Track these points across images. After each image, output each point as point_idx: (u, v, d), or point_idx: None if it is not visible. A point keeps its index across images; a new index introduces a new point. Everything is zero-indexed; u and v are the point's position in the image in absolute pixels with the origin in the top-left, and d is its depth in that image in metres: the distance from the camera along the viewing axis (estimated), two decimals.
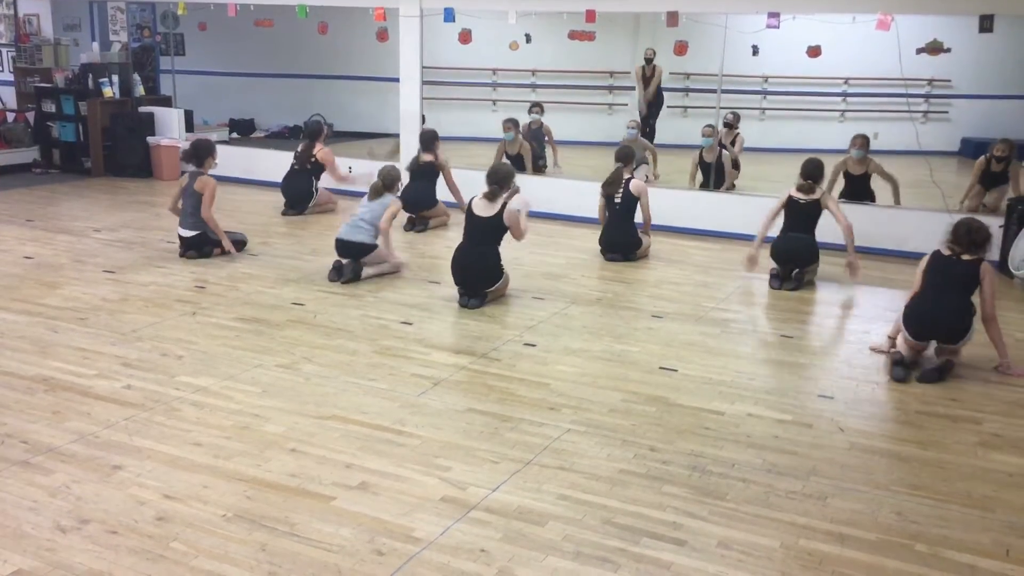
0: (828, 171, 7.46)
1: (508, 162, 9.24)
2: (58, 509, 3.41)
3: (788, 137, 12.69)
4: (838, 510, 3.58)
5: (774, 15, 8.11)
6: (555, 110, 12.17)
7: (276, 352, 5.17)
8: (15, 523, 3.31)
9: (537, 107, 10.75)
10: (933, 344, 5.25)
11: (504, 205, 6.18)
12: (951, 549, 3.33)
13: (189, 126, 11.87)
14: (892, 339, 5.44)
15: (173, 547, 3.17)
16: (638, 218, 7.65)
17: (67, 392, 4.51)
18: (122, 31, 11.95)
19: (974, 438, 4.34)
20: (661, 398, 4.68)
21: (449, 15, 9.29)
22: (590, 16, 8.77)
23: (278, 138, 13.38)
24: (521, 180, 7.66)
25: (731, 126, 10.25)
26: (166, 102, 11.55)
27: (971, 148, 12.01)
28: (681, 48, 9.70)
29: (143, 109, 11.24)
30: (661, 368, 5.12)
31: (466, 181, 8.62)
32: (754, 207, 8.17)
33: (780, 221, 7.08)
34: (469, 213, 6.26)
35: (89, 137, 10.96)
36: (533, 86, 13.51)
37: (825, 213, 6.96)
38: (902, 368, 5.10)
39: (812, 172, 6.96)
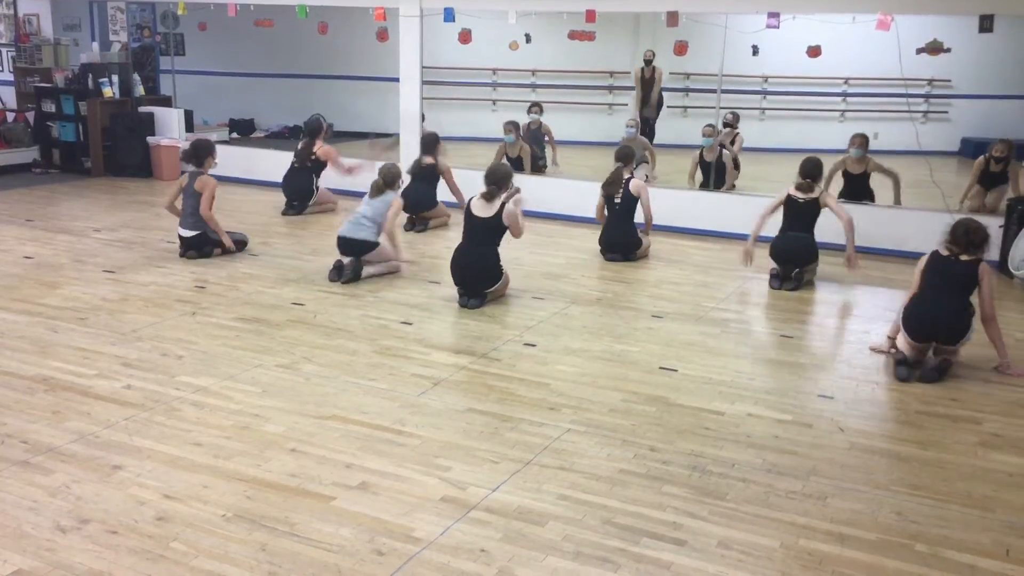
0: (827, 171, 7.47)
1: (506, 162, 9.24)
2: (58, 509, 3.41)
3: (788, 137, 12.70)
4: (838, 510, 3.58)
5: (774, 15, 8.11)
6: (555, 110, 12.17)
7: (276, 352, 5.17)
8: (15, 523, 3.31)
9: (536, 107, 10.75)
10: (933, 345, 5.26)
11: (503, 205, 6.19)
12: (951, 549, 3.33)
13: (189, 126, 11.88)
14: (892, 339, 5.45)
15: (173, 547, 3.17)
16: (638, 218, 7.65)
17: (67, 392, 4.51)
18: (122, 31, 11.95)
19: (974, 438, 4.34)
20: (661, 398, 4.68)
21: (449, 15, 9.29)
22: (590, 16, 8.77)
23: (278, 138, 13.38)
24: (521, 180, 7.67)
25: (730, 126, 10.25)
26: (166, 102, 11.55)
27: (971, 148, 12.01)
28: (681, 48, 9.70)
29: (143, 109, 11.24)
30: (661, 368, 5.13)
31: (466, 181, 8.61)
32: (754, 207, 8.12)
33: (779, 221, 7.08)
34: (468, 213, 6.26)
35: (89, 137, 10.95)
36: (533, 86, 13.52)
37: (825, 212, 6.97)
38: (906, 368, 5.11)
39: (811, 171, 6.97)
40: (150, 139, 10.97)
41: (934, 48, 9.29)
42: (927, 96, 12.93)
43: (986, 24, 7.59)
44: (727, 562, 3.19)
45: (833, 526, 3.46)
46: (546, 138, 10.68)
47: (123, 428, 4.12)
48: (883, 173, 8.50)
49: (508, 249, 6.46)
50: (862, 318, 6.31)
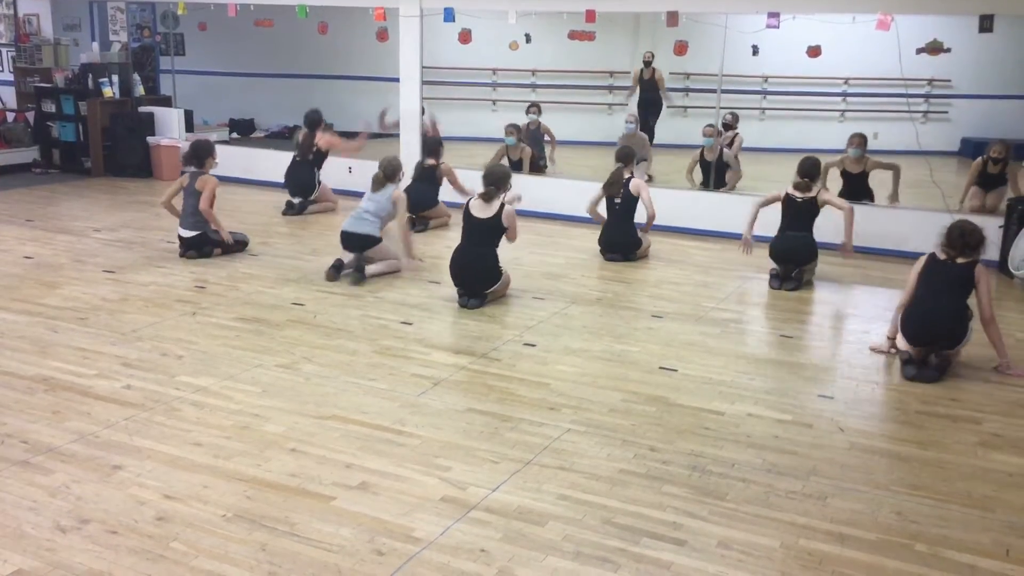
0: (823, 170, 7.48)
1: (503, 164, 9.25)
2: (58, 509, 3.41)
3: (788, 137, 12.69)
4: (838, 510, 3.58)
5: (774, 15, 8.11)
6: (555, 110, 12.17)
7: (276, 352, 5.17)
8: (15, 523, 3.31)
9: (534, 107, 10.75)
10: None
11: (503, 206, 6.19)
12: (951, 549, 3.33)
13: (189, 126, 11.88)
14: (892, 339, 5.45)
15: (173, 547, 3.17)
16: (639, 218, 7.64)
17: (67, 392, 4.51)
18: (122, 31, 11.95)
19: (974, 438, 4.34)
20: (661, 398, 4.68)
21: (449, 15, 9.29)
22: (590, 16, 8.77)
23: (278, 138, 13.37)
24: (521, 181, 7.68)
25: (730, 126, 10.24)
26: (166, 102, 11.55)
27: (971, 148, 12.00)
28: (681, 48, 9.70)
29: (143, 109, 11.24)
30: (661, 368, 5.12)
31: (466, 181, 8.63)
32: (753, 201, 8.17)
33: (778, 221, 7.09)
34: (467, 214, 6.27)
35: (89, 137, 10.96)
36: (533, 86, 13.52)
37: (824, 211, 6.98)
38: (913, 367, 5.11)
39: (809, 170, 7.00)
40: (150, 139, 10.98)
41: (934, 48, 9.29)
42: (927, 96, 12.93)
43: (986, 24, 7.59)
44: (727, 562, 3.19)
45: (833, 526, 3.46)
46: (546, 138, 10.68)
47: (123, 428, 4.12)
48: (883, 168, 8.51)
49: (508, 249, 6.46)
50: (862, 318, 6.30)
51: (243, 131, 13.74)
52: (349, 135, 9.80)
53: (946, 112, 13.13)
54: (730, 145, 9.90)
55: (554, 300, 6.39)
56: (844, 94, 13.32)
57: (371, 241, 6.79)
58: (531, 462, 3.90)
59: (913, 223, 7.96)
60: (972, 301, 5.20)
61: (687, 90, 13.10)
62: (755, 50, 9.99)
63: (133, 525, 3.31)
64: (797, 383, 5.01)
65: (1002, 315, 5.80)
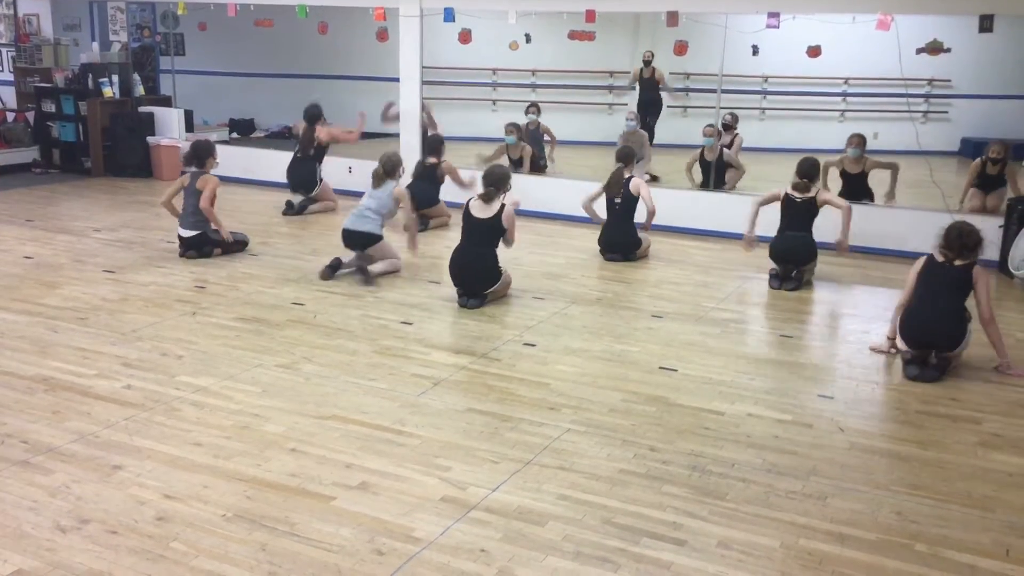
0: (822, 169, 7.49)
1: (503, 164, 9.26)
2: (58, 509, 3.41)
3: (788, 137, 12.69)
4: (838, 510, 3.58)
5: (774, 15, 8.11)
6: (555, 110, 12.17)
7: (276, 352, 5.17)
8: (15, 523, 3.31)
9: (533, 107, 10.76)
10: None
11: (503, 207, 6.20)
12: (951, 549, 3.33)
13: (189, 126, 11.88)
14: (892, 339, 5.45)
15: (173, 547, 3.17)
16: (638, 218, 7.64)
17: (67, 392, 4.51)
18: (122, 31, 11.95)
19: (974, 438, 4.34)
20: (661, 398, 4.68)
21: (449, 15, 9.29)
22: (590, 16, 8.77)
23: (278, 138, 13.37)
24: (521, 181, 7.68)
25: (729, 127, 10.22)
26: (166, 102, 11.55)
27: (971, 148, 12.00)
28: (681, 48, 9.70)
29: (143, 109, 11.24)
30: (661, 368, 5.12)
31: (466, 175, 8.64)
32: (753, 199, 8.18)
33: (777, 220, 7.09)
34: (467, 214, 6.27)
35: (89, 137, 10.96)
36: (533, 86, 13.52)
37: (823, 211, 6.99)
38: (915, 366, 5.11)
39: (808, 171, 7.02)
40: (150, 139, 10.98)
41: (934, 48, 9.29)
42: (927, 96, 12.93)
43: (986, 24, 7.59)
44: (727, 562, 3.19)
45: (833, 526, 3.46)
46: (546, 137, 10.69)
47: (123, 428, 4.12)
48: (882, 168, 8.51)
49: (508, 250, 6.45)
50: (862, 318, 6.30)
51: (243, 131, 13.74)
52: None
53: (946, 112, 13.13)
54: (730, 146, 9.90)
55: (554, 300, 6.39)
56: (844, 94, 13.32)
57: (372, 239, 6.79)
58: (531, 462, 3.90)
59: (913, 223, 7.96)
60: (971, 303, 5.20)
61: (687, 90, 13.10)
62: (755, 50, 10.00)
63: (133, 525, 3.31)
64: (797, 383, 5.01)
65: (1002, 315, 5.80)
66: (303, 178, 9.21)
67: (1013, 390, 5.00)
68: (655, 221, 7.72)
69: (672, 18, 8.48)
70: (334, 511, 3.45)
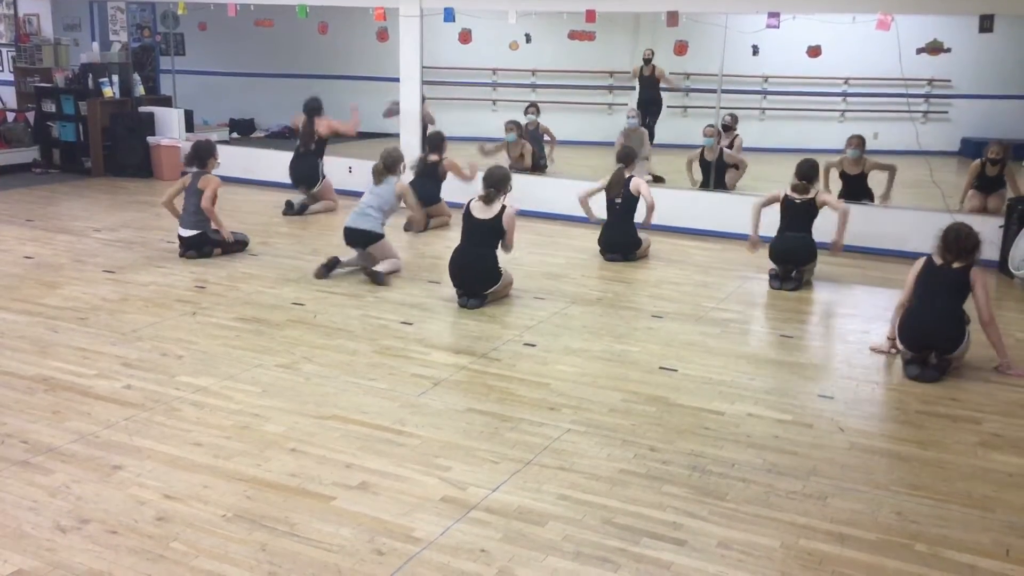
0: (822, 171, 7.49)
1: (503, 166, 9.28)
2: (58, 509, 3.41)
3: (788, 137, 12.69)
4: (838, 510, 3.58)
5: (774, 15, 8.11)
6: (555, 110, 12.17)
7: (276, 352, 5.17)
8: (15, 523, 3.31)
9: (533, 107, 10.76)
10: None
11: (503, 208, 6.20)
12: (951, 549, 3.33)
13: (189, 126, 11.88)
14: (892, 340, 5.45)
15: (173, 547, 3.18)
16: (638, 218, 7.64)
17: (67, 392, 4.51)
18: (122, 31, 11.95)
19: (974, 438, 4.34)
20: (661, 398, 4.68)
21: (449, 15, 9.29)
22: (590, 16, 8.77)
23: (278, 138, 13.37)
24: (522, 180, 7.68)
25: (729, 128, 10.21)
26: (166, 102, 11.55)
27: (971, 148, 12.00)
28: (681, 48, 9.70)
29: (143, 109, 11.24)
30: (661, 368, 5.12)
31: (465, 182, 8.63)
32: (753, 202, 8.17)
33: (777, 221, 7.10)
34: (467, 215, 6.27)
35: (89, 137, 10.95)
36: (533, 86, 13.51)
37: (823, 212, 6.99)
38: (915, 366, 5.11)
39: (807, 172, 7.03)
40: (150, 139, 10.97)
41: (934, 48, 9.29)
42: (927, 96, 12.92)
43: (986, 24, 7.59)
44: (727, 562, 3.19)
45: (833, 526, 3.46)
46: (545, 137, 10.69)
47: (123, 428, 4.12)
48: (880, 169, 8.51)
49: (505, 255, 6.44)
50: (862, 318, 6.30)
51: (243, 131, 13.74)
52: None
53: (946, 112, 13.13)
54: (730, 147, 9.90)
55: (554, 300, 6.39)
56: (844, 94, 13.32)
57: (373, 237, 6.79)
58: (531, 462, 3.90)
59: (913, 223, 7.96)
60: (971, 305, 5.20)
61: (687, 90, 13.10)
62: (755, 50, 9.99)
63: (133, 525, 3.31)
64: (797, 383, 5.01)
65: (1002, 315, 5.80)
66: (305, 173, 9.20)
67: (1013, 390, 5.00)
68: (655, 221, 7.72)
69: (672, 18, 8.48)
70: (334, 511, 3.45)
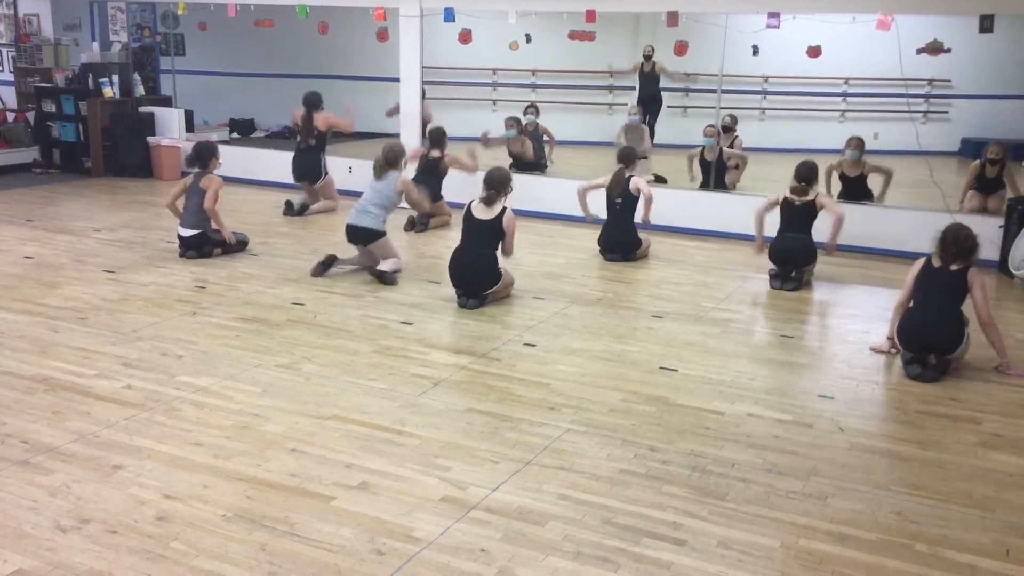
0: (822, 173, 7.49)
1: (504, 167, 9.29)
2: (58, 509, 3.41)
3: (788, 137, 12.68)
4: (838, 510, 3.58)
5: (774, 15, 8.11)
6: (555, 110, 12.16)
7: (276, 352, 5.17)
8: (15, 523, 3.31)
9: (532, 108, 10.77)
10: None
11: (504, 209, 6.20)
12: (951, 549, 3.33)
13: (189, 126, 11.87)
14: (891, 339, 5.45)
15: (173, 547, 3.18)
16: (637, 217, 7.64)
17: (67, 392, 4.51)
18: (122, 31, 11.96)
19: (974, 438, 4.34)
20: (661, 398, 4.68)
21: (449, 15, 9.29)
22: (590, 16, 8.77)
23: (278, 138, 13.37)
24: (522, 180, 7.68)
25: (729, 129, 10.18)
26: (166, 102, 11.55)
27: (971, 148, 11.99)
28: (681, 48, 9.70)
29: (143, 109, 11.23)
30: (661, 368, 5.12)
31: (466, 181, 8.62)
32: (754, 207, 8.16)
33: (777, 222, 7.10)
34: (468, 215, 6.27)
35: (89, 137, 10.95)
36: (533, 86, 13.51)
37: (823, 213, 7.00)
38: (916, 366, 5.11)
39: (806, 175, 7.04)
40: (150, 139, 10.97)
41: (934, 48, 9.30)
42: (927, 96, 12.92)
43: (986, 24, 7.59)
44: (727, 562, 3.19)
45: (833, 526, 3.46)
46: (545, 138, 10.70)
47: (123, 428, 4.12)
48: (878, 172, 8.51)
49: (505, 259, 6.44)
50: (862, 318, 6.30)
51: (243, 131, 13.74)
52: (351, 135, 9.82)
53: (946, 112, 13.12)
54: (730, 147, 9.90)
55: (554, 300, 6.39)
56: (844, 94, 13.31)
57: (374, 235, 6.79)
58: (531, 462, 3.90)
59: (913, 223, 7.95)
60: (970, 306, 5.20)
61: (687, 90, 13.10)
62: (755, 50, 9.99)
63: (133, 525, 3.31)
64: (797, 383, 5.01)
65: (1002, 315, 5.80)
66: (308, 168, 9.16)
67: (1013, 390, 5.00)
68: (654, 221, 7.73)
69: (672, 18, 8.48)
70: (334, 511, 3.45)
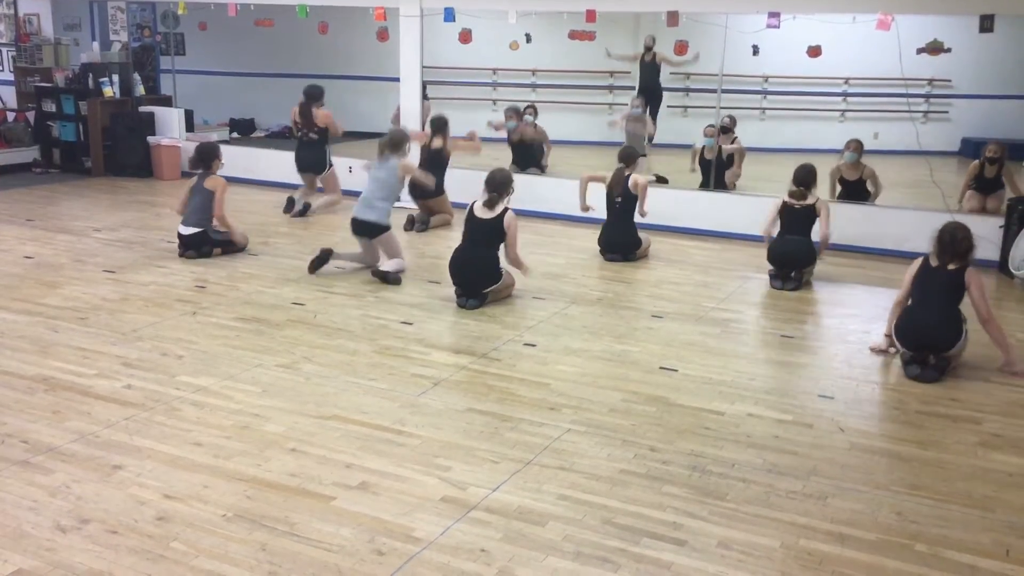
0: (821, 174, 7.46)
1: (505, 168, 9.30)
2: (58, 509, 3.41)
3: (788, 137, 12.69)
4: (838, 510, 3.58)
5: (774, 15, 8.11)
6: (555, 110, 12.16)
7: (276, 352, 5.17)
8: (15, 523, 3.31)
9: (531, 108, 10.77)
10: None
11: (506, 210, 6.20)
12: (951, 549, 3.33)
13: (189, 126, 11.88)
14: (889, 337, 5.44)
15: (173, 547, 3.18)
16: (637, 217, 7.64)
17: (67, 392, 4.51)
18: (122, 31, 11.96)
19: (974, 438, 4.34)
20: (661, 398, 4.68)
21: (449, 15, 9.29)
22: (590, 16, 8.78)
23: (278, 138, 13.37)
24: (522, 180, 7.67)
25: (728, 129, 10.17)
26: (166, 102, 11.55)
27: (971, 148, 11.99)
28: (681, 48, 9.71)
29: (143, 109, 11.24)
30: (661, 368, 5.12)
31: (466, 181, 8.62)
32: (754, 207, 8.17)
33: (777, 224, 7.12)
34: (470, 215, 6.28)
35: (89, 137, 10.96)
36: (533, 86, 13.51)
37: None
38: (916, 366, 5.11)
39: (804, 178, 7.05)
40: (150, 139, 10.97)
41: (934, 48, 9.30)
42: (927, 96, 12.92)
43: (986, 24, 7.59)
44: (727, 562, 3.19)
45: (833, 526, 3.46)
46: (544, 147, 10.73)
47: (123, 428, 4.12)
48: (872, 183, 8.51)
49: (508, 262, 6.43)
50: (862, 318, 6.30)
51: (243, 131, 13.74)
52: (351, 135, 9.82)
53: (946, 112, 13.12)
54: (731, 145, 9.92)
55: (554, 300, 6.39)
56: (844, 94, 13.31)
57: (380, 229, 6.80)
58: (531, 462, 3.90)
59: (913, 223, 7.95)
60: (968, 305, 5.20)
61: (687, 90, 13.09)
62: (755, 50, 9.98)
63: (133, 525, 3.31)
64: (797, 383, 5.01)
65: (1002, 315, 5.80)
66: (311, 160, 9.09)
67: (1013, 390, 5.00)
68: (655, 220, 7.73)
69: (672, 18, 8.48)
70: (334, 511, 3.45)
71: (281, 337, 5.43)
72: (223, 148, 7.82)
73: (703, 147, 9.63)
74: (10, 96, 11.82)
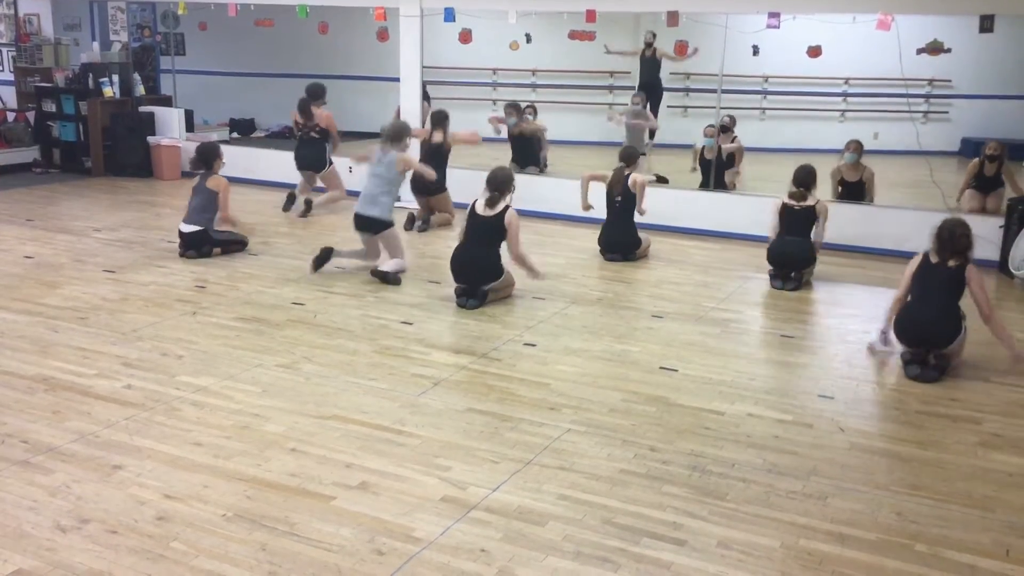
0: (821, 174, 7.46)
1: (506, 167, 9.31)
2: (58, 509, 3.41)
3: (788, 137, 12.68)
4: (838, 510, 3.58)
5: (774, 15, 8.11)
6: (555, 110, 12.16)
7: (276, 352, 5.17)
8: (15, 523, 3.31)
9: (530, 108, 10.78)
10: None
11: (507, 208, 6.20)
12: (951, 549, 3.33)
13: (189, 126, 11.88)
14: (884, 333, 5.44)
15: (173, 547, 3.18)
16: (637, 216, 7.65)
17: (67, 392, 4.51)
18: (122, 31, 11.96)
19: (974, 438, 4.34)
20: (661, 398, 4.68)
21: (449, 15, 9.30)
22: (590, 16, 8.78)
23: (278, 138, 13.37)
24: (522, 179, 7.66)
25: (727, 129, 10.16)
26: (166, 102, 11.55)
27: (971, 148, 11.97)
28: (681, 48, 9.72)
29: (143, 109, 11.24)
30: (661, 368, 5.12)
31: (467, 181, 8.62)
32: (753, 207, 8.18)
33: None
34: (471, 213, 6.28)
35: (89, 137, 10.96)
36: (533, 86, 13.51)
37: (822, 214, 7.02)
38: (916, 366, 5.11)
39: (804, 180, 7.05)
40: (150, 139, 10.97)
41: (934, 48, 9.30)
42: (927, 96, 12.92)
43: (986, 24, 7.59)
44: (727, 562, 3.19)
45: (833, 526, 3.46)
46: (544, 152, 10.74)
47: (123, 428, 4.12)
48: (869, 187, 8.51)
49: (511, 260, 6.44)
50: (862, 318, 6.30)
51: (243, 131, 13.74)
52: (351, 135, 9.81)
53: (946, 112, 13.12)
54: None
55: (554, 300, 6.39)
56: (844, 94, 13.31)
57: (383, 224, 6.80)
58: (531, 462, 3.90)
59: (913, 223, 7.92)
60: (967, 301, 5.19)
61: (687, 90, 13.09)
62: (755, 50, 9.98)
63: (133, 525, 3.31)
64: (797, 383, 5.01)
65: (1002, 315, 5.79)
66: (311, 158, 9.07)
67: (1013, 390, 5.00)
68: (654, 220, 7.72)
69: (672, 18, 8.49)
70: (334, 511, 3.45)
71: (281, 337, 5.43)
72: (223, 148, 7.82)
73: (703, 147, 9.63)
74: (10, 96, 11.82)
